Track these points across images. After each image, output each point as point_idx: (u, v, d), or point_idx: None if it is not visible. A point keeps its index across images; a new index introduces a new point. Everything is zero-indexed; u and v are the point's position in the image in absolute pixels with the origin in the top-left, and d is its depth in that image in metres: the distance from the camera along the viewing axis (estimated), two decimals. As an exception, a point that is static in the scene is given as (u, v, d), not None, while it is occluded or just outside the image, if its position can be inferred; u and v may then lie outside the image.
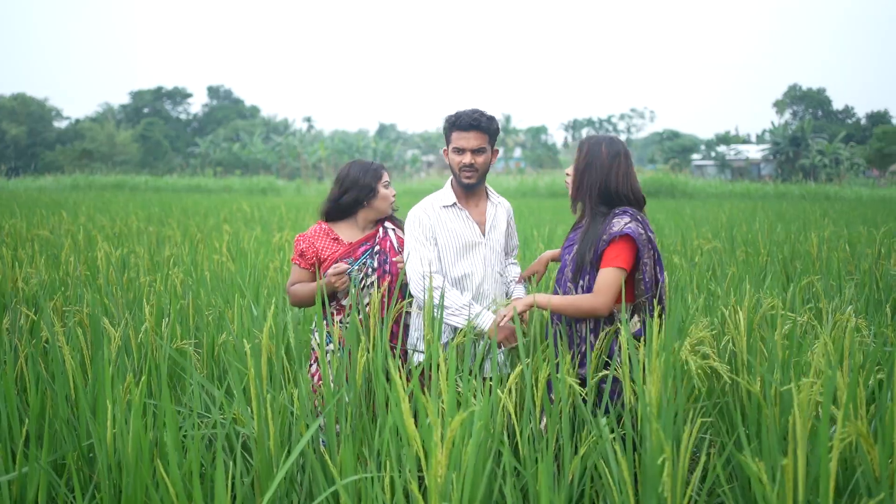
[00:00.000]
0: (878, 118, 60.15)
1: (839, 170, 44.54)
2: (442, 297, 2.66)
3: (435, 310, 2.75)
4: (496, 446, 2.22)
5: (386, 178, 3.31)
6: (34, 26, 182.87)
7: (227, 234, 8.26)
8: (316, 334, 3.22)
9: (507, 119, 72.26)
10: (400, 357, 2.94)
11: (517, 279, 3.38)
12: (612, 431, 2.40)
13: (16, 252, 6.05)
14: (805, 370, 2.42)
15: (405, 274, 3.13)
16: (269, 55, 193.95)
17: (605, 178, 2.80)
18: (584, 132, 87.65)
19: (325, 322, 3.17)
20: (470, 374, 2.69)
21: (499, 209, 3.31)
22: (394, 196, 3.34)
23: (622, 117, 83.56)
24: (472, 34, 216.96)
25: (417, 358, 3.11)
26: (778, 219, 13.16)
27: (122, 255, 5.98)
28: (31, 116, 59.24)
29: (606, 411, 2.65)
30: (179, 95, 71.52)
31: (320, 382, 3.00)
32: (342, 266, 3.11)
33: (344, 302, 3.21)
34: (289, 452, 2.35)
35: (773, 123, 54.63)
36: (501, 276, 3.29)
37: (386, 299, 3.13)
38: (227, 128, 65.59)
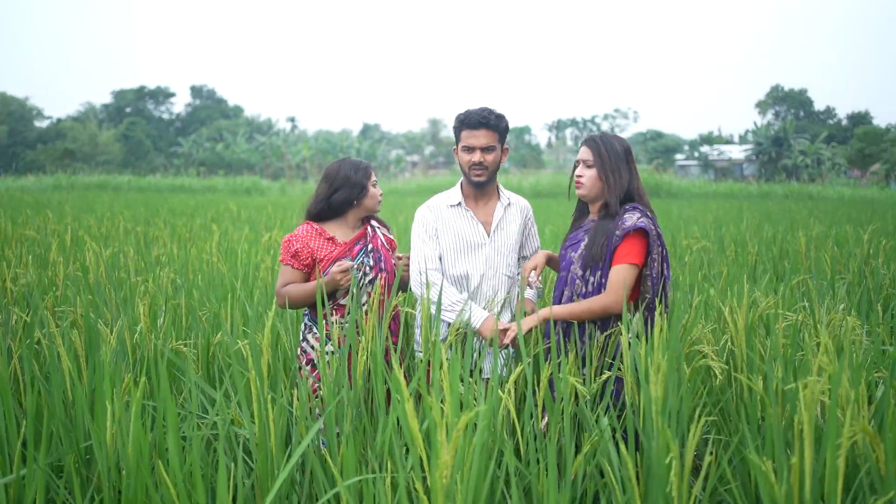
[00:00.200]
0: (859, 119, 60.82)
1: (821, 170, 45.01)
2: (439, 294, 2.66)
3: (432, 307, 2.74)
4: (498, 446, 2.22)
5: (374, 176, 3.29)
6: (14, 25, 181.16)
7: (216, 234, 8.21)
8: (309, 336, 3.19)
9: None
10: (399, 356, 2.93)
11: (517, 277, 3.36)
12: (614, 431, 2.40)
13: (2, 252, 5.98)
14: (807, 368, 2.43)
15: (402, 272, 3.12)
16: (253, 55, 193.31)
17: (630, 175, 2.83)
18: (568, 132, 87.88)
19: (324, 322, 3.14)
20: (470, 375, 2.69)
21: (510, 209, 3.28)
22: (381, 195, 3.32)
23: (606, 117, 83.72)
24: (456, 35, 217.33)
25: (419, 356, 3.09)
26: (765, 218, 13.29)
27: (111, 255, 5.92)
28: (12, 116, 58.62)
29: (608, 409, 2.65)
30: (162, 95, 70.95)
31: (315, 384, 2.97)
32: (347, 263, 3.08)
33: (342, 301, 3.18)
34: (289, 454, 2.34)
35: (755, 124, 55.14)
36: (510, 278, 3.24)
37: (384, 297, 3.12)
38: (210, 127, 65.08)
